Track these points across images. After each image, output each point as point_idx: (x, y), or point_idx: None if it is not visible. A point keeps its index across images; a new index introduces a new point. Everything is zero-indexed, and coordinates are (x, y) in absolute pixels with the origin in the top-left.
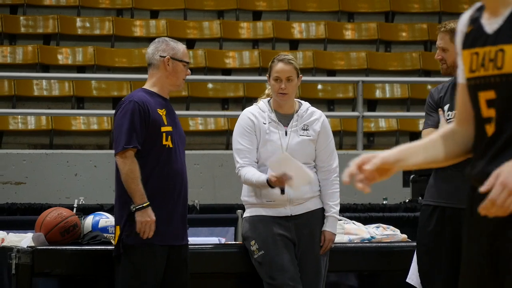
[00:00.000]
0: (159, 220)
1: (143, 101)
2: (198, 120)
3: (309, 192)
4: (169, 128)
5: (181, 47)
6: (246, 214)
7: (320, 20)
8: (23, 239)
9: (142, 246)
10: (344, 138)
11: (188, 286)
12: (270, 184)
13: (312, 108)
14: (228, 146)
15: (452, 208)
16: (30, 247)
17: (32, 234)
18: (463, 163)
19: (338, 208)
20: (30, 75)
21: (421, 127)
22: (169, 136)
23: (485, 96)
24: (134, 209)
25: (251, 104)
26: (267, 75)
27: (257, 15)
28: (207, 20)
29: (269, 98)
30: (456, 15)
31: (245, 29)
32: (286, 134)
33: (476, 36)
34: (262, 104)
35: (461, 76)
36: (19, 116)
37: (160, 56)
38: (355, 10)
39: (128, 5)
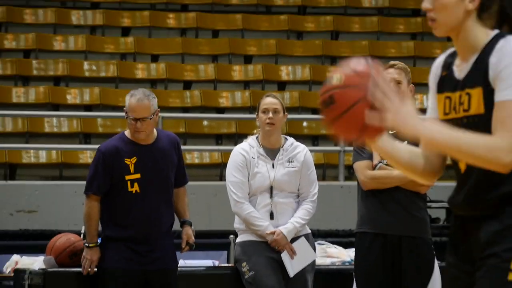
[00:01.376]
0: (120, 250)
1: (110, 151)
2: (195, 154)
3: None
4: (136, 176)
5: (129, 101)
6: (238, 239)
7: (306, 63)
8: (35, 262)
9: (110, 269)
10: (327, 170)
11: None
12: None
13: (296, 143)
14: (222, 177)
15: (393, 235)
16: (41, 269)
17: (43, 257)
18: (392, 189)
19: (302, 222)
20: (41, 113)
21: None
22: (136, 183)
23: None
24: (84, 245)
25: (243, 140)
26: (256, 112)
27: (248, 59)
28: (203, 64)
29: (257, 135)
30: (430, 59)
31: (237, 71)
32: (273, 167)
33: (448, 82)
34: (251, 140)
35: (430, 112)
36: (32, 151)
37: None
38: (338, 54)
39: (131, 50)
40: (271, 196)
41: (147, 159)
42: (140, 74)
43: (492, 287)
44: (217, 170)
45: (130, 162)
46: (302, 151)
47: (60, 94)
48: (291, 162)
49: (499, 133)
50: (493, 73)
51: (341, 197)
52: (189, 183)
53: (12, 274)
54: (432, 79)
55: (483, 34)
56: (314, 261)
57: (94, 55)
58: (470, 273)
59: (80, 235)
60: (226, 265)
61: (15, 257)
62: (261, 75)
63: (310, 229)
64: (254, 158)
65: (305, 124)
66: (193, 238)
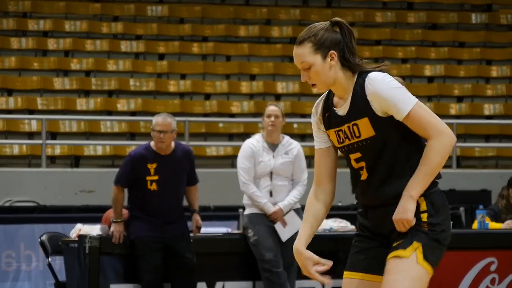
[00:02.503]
0: (145, 224)
1: (137, 157)
2: (213, 148)
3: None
4: (154, 177)
5: (156, 119)
6: (245, 212)
7: (296, 80)
8: (94, 230)
9: (138, 236)
10: (311, 160)
11: (188, 262)
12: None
13: (291, 140)
14: (233, 166)
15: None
16: (98, 235)
17: (100, 226)
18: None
19: (295, 199)
20: (98, 118)
21: None
22: (154, 183)
23: (353, 156)
24: (112, 220)
25: (249, 137)
26: (262, 117)
27: (252, 77)
28: (219, 81)
29: (262, 133)
30: None
31: (245, 86)
32: (273, 157)
33: (334, 119)
34: (257, 137)
35: (318, 144)
36: (91, 146)
37: None
38: None
39: (165, 71)
40: (271, 179)
41: (164, 166)
42: (172, 88)
43: (408, 236)
44: (229, 160)
45: (151, 167)
46: (295, 146)
47: (112, 104)
48: (287, 154)
49: (429, 134)
50: (379, 106)
51: None
52: (209, 170)
53: (77, 238)
54: (313, 119)
55: (350, 77)
56: None
57: (137, 74)
58: (379, 242)
59: (127, 209)
60: (237, 231)
61: (79, 225)
62: (262, 89)
63: (300, 205)
64: (259, 150)
65: (295, 125)
66: (201, 222)
